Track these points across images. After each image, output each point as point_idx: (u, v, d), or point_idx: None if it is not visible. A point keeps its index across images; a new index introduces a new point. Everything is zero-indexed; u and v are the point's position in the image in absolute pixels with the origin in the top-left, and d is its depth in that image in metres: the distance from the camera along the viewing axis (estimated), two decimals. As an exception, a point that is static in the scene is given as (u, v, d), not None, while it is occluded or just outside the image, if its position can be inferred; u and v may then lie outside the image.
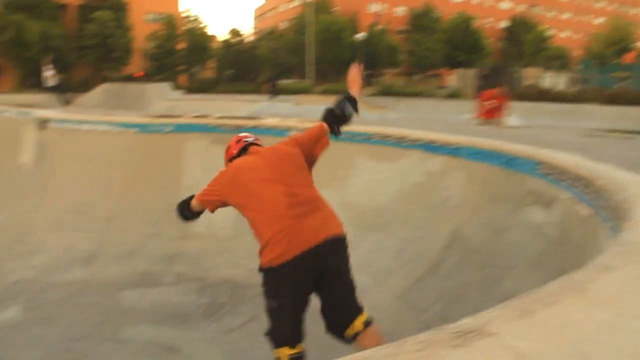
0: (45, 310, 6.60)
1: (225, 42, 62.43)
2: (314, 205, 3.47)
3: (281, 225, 3.30)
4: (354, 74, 4.18)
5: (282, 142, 3.90)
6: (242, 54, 60.29)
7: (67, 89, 22.46)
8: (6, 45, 48.02)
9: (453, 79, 43.54)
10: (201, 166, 7.79)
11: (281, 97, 29.70)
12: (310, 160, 3.91)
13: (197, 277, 7.03)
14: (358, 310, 3.49)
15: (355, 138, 7.24)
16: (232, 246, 7.25)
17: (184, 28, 58.75)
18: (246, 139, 4.05)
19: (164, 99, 23.11)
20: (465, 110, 16.90)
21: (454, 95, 33.00)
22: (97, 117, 8.29)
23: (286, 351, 3.38)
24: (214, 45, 61.84)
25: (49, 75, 21.79)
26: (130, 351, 5.74)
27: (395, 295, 5.71)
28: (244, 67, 59.19)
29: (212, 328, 6.10)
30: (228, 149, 4.11)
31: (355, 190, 7.12)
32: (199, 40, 58.19)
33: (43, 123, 9.11)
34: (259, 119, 9.58)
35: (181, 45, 57.73)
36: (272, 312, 3.46)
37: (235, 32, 63.16)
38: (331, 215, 3.52)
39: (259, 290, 3.47)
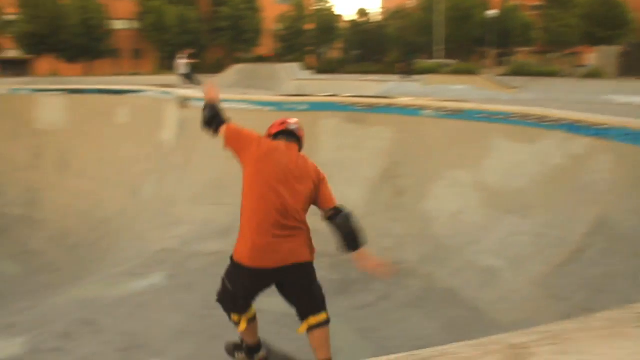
0: (186, 278, 7.01)
1: (353, 22, 62.49)
2: (296, 232, 3.76)
3: (261, 238, 3.69)
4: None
5: (315, 169, 4.03)
6: (369, 33, 60.11)
7: (195, 72, 23.63)
8: (147, 29, 51.03)
9: (593, 57, 40.79)
10: (334, 144, 7.90)
11: (413, 77, 29.24)
12: (313, 199, 3.99)
13: (329, 254, 7.12)
14: (317, 309, 3.92)
15: (492, 118, 7.02)
16: (365, 224, 7.30)
17: (312, 9, 59.46)
18: (289, 126, 4.18)
19: (293, 78, 23.60)
20: (607, 91, 15.87)
21: (593, 74, 30.91)
22: (235, 96, 8.62)
23: (235, 317, 4.09)
24: (341, 26, 62.08)
25: (181, 63, 23.01)
26: (265, 320, 5.97)
27: (532, 281, 5.52)
28: (370, 47, 59.01)
29: (344, 304, 6.18)
30: (272, 126, 4.28)
31: (491, 171, 6.91)
32: (326, 21, 58.70)
33: (184, 102, 9.62)
34: (391, 98, 9.56)
35: (309, 26, 58.54)
36: (224, 288, 4.09)
37: (362, 12, 63.04)
38: (305, 242, 3.85)
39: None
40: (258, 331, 4.26)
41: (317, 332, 3.90)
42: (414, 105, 7.96)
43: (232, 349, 4.43)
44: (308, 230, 3.91)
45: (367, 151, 7.89)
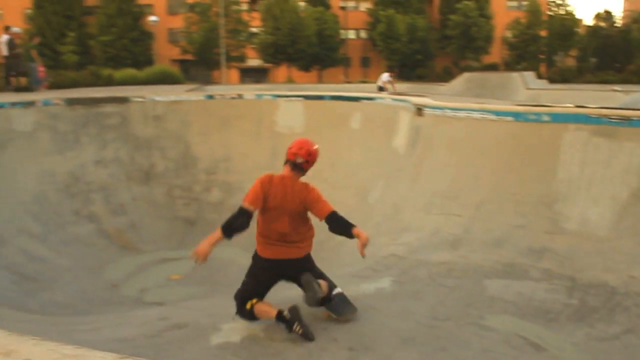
0: (414, 286, 6.95)
1: (593, 27, 57.93)
2: (294, 241, 5.25)
3: (271, 241, 5.27)
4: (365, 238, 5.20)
5: (318, 195, 5.29)
6: (610, 39, 55.29)
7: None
8: (377, 38, 52.48)
9: None
10: (579, 160, 7.31)
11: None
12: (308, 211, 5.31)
13: (567, 276, 6.62)
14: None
15: None
16: (609, 248, 6.64)
17: (548, 13, 56.40)
18: (297, 159, 5.28)
19: (526, 88, 22.56)
20: None
21: None
22: (472, 105, 8.40)
23: (254, 301, 5.31)
24: (580, 31, 57.90)
25: (385, 80, 23.51)
26: (493, 339, 5.69)
27: None
28: (610, 54, 54.25)
29: (582, 333, 5.67)
30: (290, 147, 5.40)
31: None
32: (564, 26, 55.16)
33: (419, 110, 9.62)
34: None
35: (543, 32, 55.59)
36: (245, 282, 5.53)
37: (603, 15, 58.19)
38: (301, 247, 5.31)
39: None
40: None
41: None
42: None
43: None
44: (306, 240, 5.39)
45: (617, 168, 7.16)
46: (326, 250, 10.30)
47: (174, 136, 13.81)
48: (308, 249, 5.44)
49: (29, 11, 56.55)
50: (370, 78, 52.64)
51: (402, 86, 31.79)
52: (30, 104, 12.23)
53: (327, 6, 56.22)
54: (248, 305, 5.28)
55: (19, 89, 18.12)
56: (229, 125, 14.05)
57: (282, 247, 5.24)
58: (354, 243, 9.47)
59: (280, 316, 5.08)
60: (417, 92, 17.92)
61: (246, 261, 10.64)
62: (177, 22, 59.60)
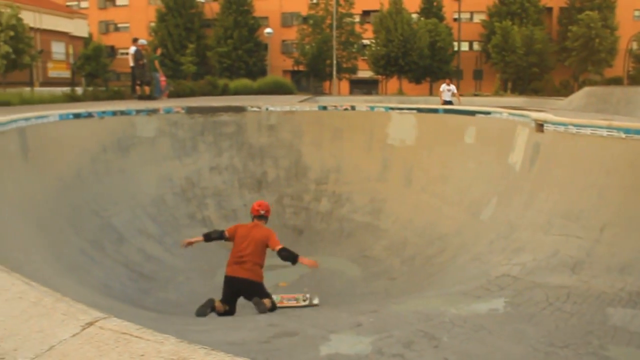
0: (529, 309, 6.65)
1: None
2: (246, 264, 7.48)
3: (232, 261, 7.62)
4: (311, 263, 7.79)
5: (271, 234, 7.82)
6: None
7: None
8: (491, 50, 51.14)
9: None
10: None
11: None
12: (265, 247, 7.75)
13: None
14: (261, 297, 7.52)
15: None
16: None
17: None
18: (257, 213, 8.18)
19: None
20: None
21: None
22: (598, 122, 7.92)
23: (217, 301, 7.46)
24: None
25: (447, 89, 23.04)
26: None
27: None
28: None
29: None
30: (252, 209, 8.35)
31: None
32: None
33: (539, 125, 9.22)
34: None
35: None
36: None
37: None
38: (249, 269, 7.50)
39: None
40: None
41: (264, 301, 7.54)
42: None
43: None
44: (256, 265, 7.60)
45: None
46: (435, 265, 10.12)
47: (287, 146, 14.09)
48: (257, 277, 7.61)
49: (153, 24, 59.98)
50: (483, 91, 51.45)
51: (517, 100, 30.80)
52: (153, 111, 12.91)
53: (441, 18, 55.55)
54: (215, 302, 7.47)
55: (142, 97, 19.21)
56: (341, 136, 14.15)
57: (236, 267, 7.52)
58: (463, 259, 9.30)
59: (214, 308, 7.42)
60: (533, 107, 17.27)
61: (353, 272, 10.75)
62: (291, 34, 61.11)
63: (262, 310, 7.24)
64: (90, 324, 1.93)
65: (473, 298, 7.19)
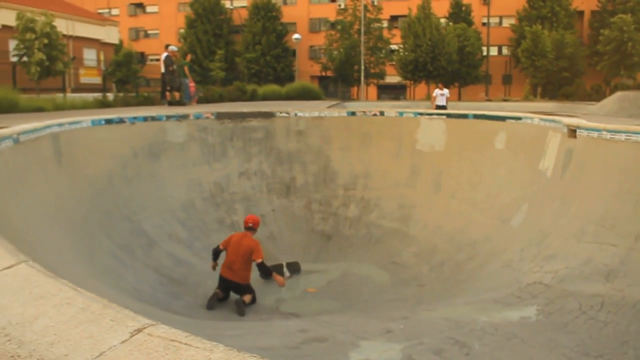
0: (562, 318, 6.54)
1: None
2: (235, 271, 8.99)
3: (224, 266, 9.16)
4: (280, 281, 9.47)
5: (256, 247, 9.10)
6: None
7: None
8: (521, 55, 50.60)
9: None
10: None
11: None
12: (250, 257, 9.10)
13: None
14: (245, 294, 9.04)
15: None
16: None
17: None
18: (246, 225, 9.59)
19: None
20: None
21: None
22: (634, 127, 7.77)
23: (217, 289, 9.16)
24: None
25: (440, 94, 23.59)
26: None
27: None
28: None
29: None
30: (247, 220, 9.70)
31: None
32: None
33: (572, 131, 9.09)
34: None
35: None
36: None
37: None
38: (237, 274, 9.02)
39: None
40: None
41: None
42: None
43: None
44: (245, 272, 9.10)
45: None
46: (465, 272, 10.02)
47: (315, 151, 14.10)
48: (243, 280, 9.09)
49: (182, 30, 60.66)
50: (512, 96, 50.96)
51: (547, 105, 30.44)
52: (183, 117, 13.03)
53: (470, 22, 55.21)
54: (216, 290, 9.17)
55: (172, 103, 19.41)
56: (369, 141, 14.12)
57: (228, 271, 9.06)
58: (494, 266, 9.20)
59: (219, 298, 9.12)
60: (564, 112, 17.05)
61: (381, 279, 10.70)
62: (319, 40, 61.29)
63: (240, 312, 8.72)
64: (139, 330, 1.95)
65: (504, 306, 7.11)
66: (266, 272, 9.23)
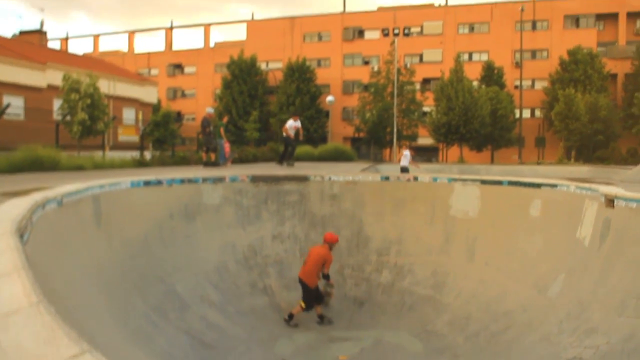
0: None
1: None
2: (310, 274, 11.29)
3: (304, 270, 11.43)
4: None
5: (329, 260, 11.52)
6: None
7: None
8: (554, 117, 50.49)
9: None
10: None
11: None
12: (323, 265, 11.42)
13: None
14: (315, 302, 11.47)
15: None
16: None
17: None
18: (325, 240, 11.77)
19: None
20: None
21: None
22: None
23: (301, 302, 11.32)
24: None
25: (404, 155, 24.69)
26: None
27: None
28: None
29: None
30: (326, 236, 11.95)
31: None
32: None
33: (610, 201, 8.98)
34: None
35: None
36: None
37: None
38: (309, 277, 11.28)
39: None
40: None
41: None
42: None
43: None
44: (314, 275, 11.30)
45: None
46: (500, 343, 9.77)
47: (349, 215, 14.12)
48: (311, 284, 11.24)
49: (218, 91, 62.22)
50: (546, 159, 50.61)
51: (582, 169, 30.10)
52: (219, 180, 13.23)
53: (502, 85, 55.57)
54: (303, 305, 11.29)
55: (208, 164, 19.78)
56: (403, 207, 14.10)
57: (305, 274, 11.24)
58: (531, 339, 8.97)
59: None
60: (599, 176, 16.86)
61: (415, 348, 10.50)
62: (352, 102, 62.23)
63: (327, 322, 11.53)
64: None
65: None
66: (326, 278, 11.72)
